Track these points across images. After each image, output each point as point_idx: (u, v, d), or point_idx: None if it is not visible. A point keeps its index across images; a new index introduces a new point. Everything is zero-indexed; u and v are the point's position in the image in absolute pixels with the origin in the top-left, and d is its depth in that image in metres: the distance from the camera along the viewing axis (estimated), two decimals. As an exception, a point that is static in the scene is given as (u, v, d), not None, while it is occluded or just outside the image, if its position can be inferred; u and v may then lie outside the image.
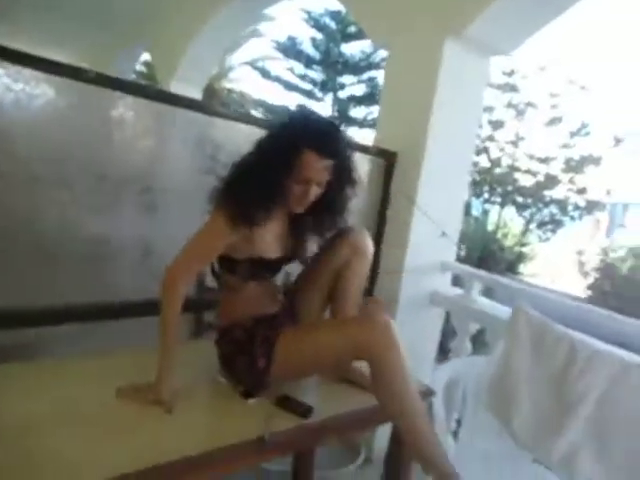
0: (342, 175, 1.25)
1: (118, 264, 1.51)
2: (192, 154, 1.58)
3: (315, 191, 1.21)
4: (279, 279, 1.45)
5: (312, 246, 1.44)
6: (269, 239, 1.27)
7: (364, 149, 2.13)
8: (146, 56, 5.91)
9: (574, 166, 7.44)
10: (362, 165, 2.10)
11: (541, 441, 1.39)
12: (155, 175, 1.53)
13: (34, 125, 1.26)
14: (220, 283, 1.35)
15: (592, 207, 7.58)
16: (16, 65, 1.18)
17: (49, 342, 1.42)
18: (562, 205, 7.64)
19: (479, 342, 2.20)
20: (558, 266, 10.12)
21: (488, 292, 4.85)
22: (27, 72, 1.20)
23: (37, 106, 1.24)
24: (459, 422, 1.87)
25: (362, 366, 1.31)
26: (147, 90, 1.51)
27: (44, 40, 6.90)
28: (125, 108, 1.42)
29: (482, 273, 2.15)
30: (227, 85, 12.37)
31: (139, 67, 9.04)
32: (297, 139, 1.16)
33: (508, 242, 8.67)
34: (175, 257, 1.19)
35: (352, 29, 10.07)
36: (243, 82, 12.79)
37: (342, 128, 1.29)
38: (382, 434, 2.04)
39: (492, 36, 2.01)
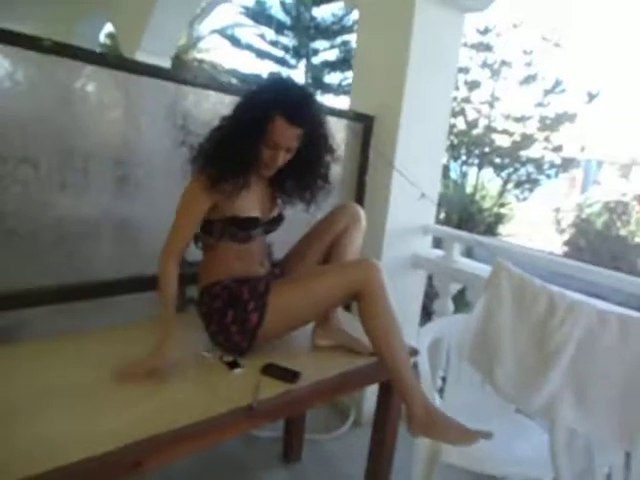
0: (314, 142, 1.31)
1: (90, 241, 1.47)
2: (162, 125, 1.53)
3: (283, 157, 1.27)
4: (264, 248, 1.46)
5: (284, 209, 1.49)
6: (245, 199, 1.31)
7: (340, 113, 2.09)
8: (110, 27, 5.66)
9: (549, 124, 7.49)
10: (339, 130, 2.07)
11: (523, 391, 1.43)
12: (125, 148, 1.48)
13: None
14: (199, 245, 1.39)
15: (567, 164, 7.67)
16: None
17: (26, 325, 1.39)
18: (538, 164, 7.71)
19: (461, 302, 2.23)
20: (536, 225, 10.33)
21: (469, 254, 4.94)
22: (-22, 43, 1.13)
23: (-8, 79, 1.17)
24: (444, 380, 1.92)
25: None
26: (108, 59, 1.43)
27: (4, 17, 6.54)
28: (87, 79, 1.36)
29: (462, 234, 2.16)
30: (197, 56, 11.97)
31: (103, 39, 8.67)
32: (269, 105, 1.20)
33: (486, 204, 8.77)
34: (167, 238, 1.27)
35: (322, -9, 9.78)
36: (213, 52, 12.41)
37: (316, 96, 1.34)
38: (370, 397, 2.09)
39: (465, -9, 1.96)
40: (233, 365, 1.25)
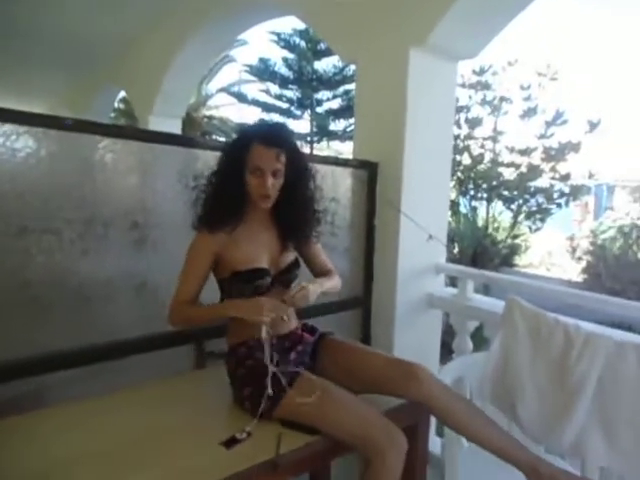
0: (298, 166, 1.36)
1: (112, 303, 1.52)
2: (174, 187, 1.61)
3: (272, 182, 1.30)
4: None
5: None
6: (248, 251, 1.34)
7: (345, 162, 2.17)
8: (124, 93, 5.98)
9: (554, 155, 7.55)
10: (345, 177, 2.14)
11: (549, 430, 1.40)
12: (141, 211, 1.55)
13: (18, 178, 1.28)
14: None
15: (577, 192, 7.66)
16: (-5, 122, 1.20)
17: (48, 391, 1.42)
18: (547, 193, 7.72)
19: (480, 339, 2.21)
20: (552, 254, 10.21)
21: (486, 288, 4.86)
22: (6, 127, 1.23)
23: (19, 158, 1.27)
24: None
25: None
26: (125, 131, 1.55)
27: (16, 91, 6.98)
28: (105, 150, 1.45)
29: (474, 271, 2.18)
30: (206, 113, 12.48)
31: (117, 104, 9.11)
32: (245, 139, 1.31)
33: (500, 236, 8.73)
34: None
35: (322, 46, 10.21)
36: (222, 108, 12.93)
37: (288, 125, 1.51)
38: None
39: (454, 42, 2.07)
40: (228, 444, 1.15)
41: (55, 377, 1.37)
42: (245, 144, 1.29)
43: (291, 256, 1.45)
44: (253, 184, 1.30)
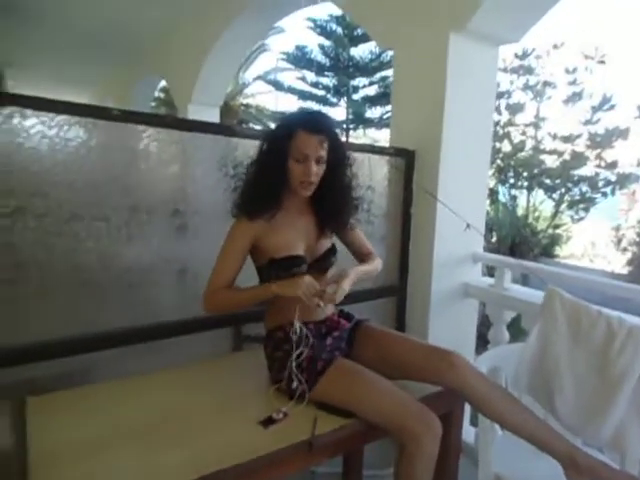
0: (339, 152, 1.37)
1: (155, 287, 1.58)
2: (214, 175, 1.65)
3: (316, 169, 1.32)
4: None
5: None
6: (285, 238, 1.36)
7: (382, 150, 2.16)
8: (164, 82, 6.12)
9: (600, 141, 7.23)
10: (381, 166, 2.14)
11: (588, 423, 1.38)
12: (183, 199, 1.61)
13: (70, 166, 1.35)
14: None
15: (624, 180, 7.31)
16: (48, 112, 1.27)
17: (95, 368, 1.51)
18: (592, 182, 7.41)
19: (517, 330, 2.18)
20: (595, 245, 9.83)
21: (525, 279, 4.74)
22: (59, 117, 1.29)
23: (71, 148, 1.33)
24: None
25: None
26: (166, 120, 1.59)
27: (60, 81, 7.25)
28: (149, 139, 1.50)
29: (511, 261, 2.14)
30: (243, 101, 12.59)
31: (157, 94, 9.31)
32: (289, 127, 1.32)
33: (540, 226, 8.47)
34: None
35: (358, 32, 10.09)
36: (258, 96, 13.01)
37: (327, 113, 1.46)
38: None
39: (495, 27, 2.01)
40: (268, 422, 1.20)
41: (101, 355, 1.45)
42: (288, 132, 1.30)
43: (328, 243, 1.46)
44: (297, 171, 1.31)
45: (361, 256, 1.55)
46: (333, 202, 1.40)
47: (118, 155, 1.45)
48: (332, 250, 1.47)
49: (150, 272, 1.55)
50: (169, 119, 1.60)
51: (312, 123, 1.31)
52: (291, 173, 1.32)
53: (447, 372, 1.27)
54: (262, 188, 1.33)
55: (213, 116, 4.86)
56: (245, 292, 1.35)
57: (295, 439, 1.13)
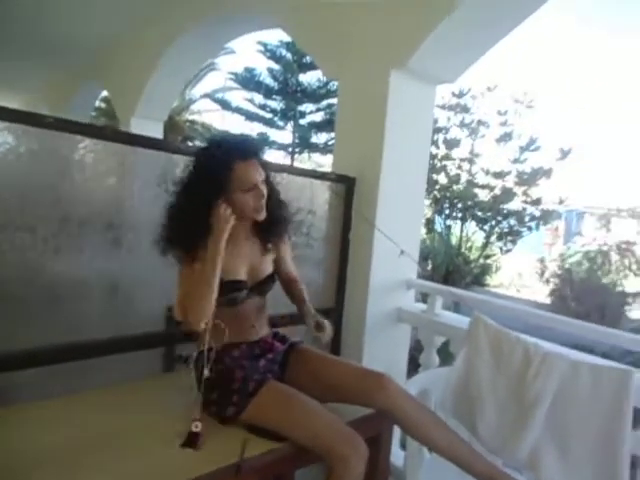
0: (265, 166, 1.39)
1: (84, 303, 1.51)
2: (154, 190, 1.61)
3: (264, 191, 1.33)
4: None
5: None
6: (229, 263, 1.33)
7: (323, 176, 2.22)
8: (106, 92, 5.92)
9: (527, 179, 7.80)
10: (323, 191, 2.19)
11: (506, 444, 1.45)
12: (118, 213, 1.56)
13: (-5, 173, 1.28)
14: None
15: (547, 216, 7.91)
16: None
17: (13, 389, 1.40)
18: (519, 216, 7.95)
19: (446, 353, 2.27)
20: (522, 275, 10.48)
21: (457, 305, 4.95)
22: (-14, 122, 1.23)
23: (-2, 154, 1.27)
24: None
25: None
26: (105, 132, 1.55)
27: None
28: (85, 150, 1.45)
29: (442, 288, 2.24)
30: (189, 117, 12.42)
31: (99, 103, 8.99)
32: (225, 160, 1.28)
33: (472, 255, 8.92)
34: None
35: (307, 59, 10.32)
36: (205, 114, 12.89)
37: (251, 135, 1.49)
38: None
39: (434, 67, 2.15)
40: (191, 440, 1.17)
41: (19, 376, 1.35)
42: (226, 165, 1.27)
43: (270, 267, 1.48)
44: (249, 201, 1.31)
45: (288, 275, 1.54)
46: (271, 213, 1.40)
47: (50, 164, 1.39)
48: (272, 277, 1.48)
49: (79, 287, 1.48)
50: (108, 130, 1.56)
51: (246, 150, 1.32)
52: (243, 204, 1.31)
53: (377, 394, 1.30)
54: (200, 220, 1.28)
55: (156, 130, 4.75)
56: (204, 266, 1.26)
57: (223, 462, 1.11)
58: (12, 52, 5.31)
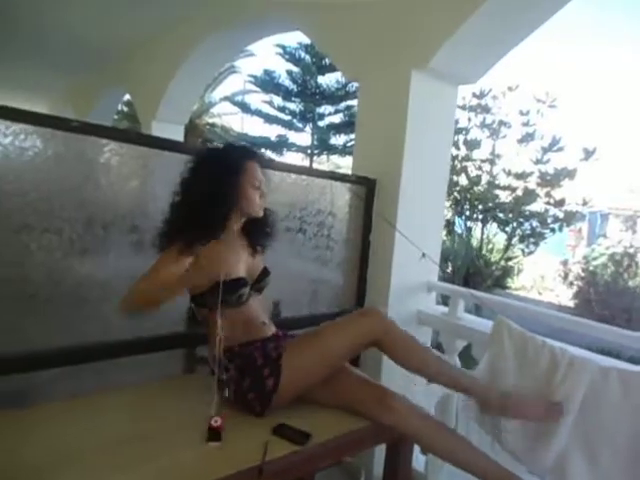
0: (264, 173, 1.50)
1: (108, 303, 1.53)
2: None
3: (265, 191, 1.47)
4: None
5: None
6: (228, 263, 1.36)
7: (344, 178, 2.21)
8: (129, 95, 6.02)
9: (549, 180, 7.64)
10: (343, 193, 2.18)
11: (532, 452, 1.42)
12: (142, 215, 1.58)
13: (24, 176, 1.31)
14: (202, 322, 1.45)
15: (570, 218, 7.73)
16: (4, 120, 1.23)
17: (36, 388, 1.43)
18: (541, 218, 7.80)
19: (467, 357, 2.24)
20: (544, 278, 10.28)
21: (478, 309, 4.89)
22: (15, 126, 1.25)
23: (26, 157, 1.29)
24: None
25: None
26: (129, 135, 1.58)
27: (19, 89, 6.99)
28: (110, 153, 1.48)
29: (464, 290, 2.21)
30: (209, 120, 12.56)
31: (121, 107, 9.16)
32: (237, 159, 1.41)
33: (493, 257, 8.79)
34: None
35: (326, 61, 10.33)
36: (224, 117, 13.02)
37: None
38: (380, 457, 2.05)
39: (456, 67, 2.12)
40: (211, 438, 1.19)
41: (41, 376, 1.38)
42: (240, 163, 1.41)
43: (260, 264, 1.54)
44: (256, 198, 1.43)
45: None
46: (263, 219, 1.51)
47: (75, 167, 1.42)
48: (266, 272, 1.53)
49: (104, 287, 1.50)
50: (132, 134, 1.58)
51: (253, 153, 1.47)
52: (250, 199, 1.42)
53: (383, 413, 1.33)
54: (210, 214, 1.35)
55: (177, 134, 4.81)
56: (157, 287, 1.28)
57: (245, 465, 1.10)
58: (38, 57, 5.44)
